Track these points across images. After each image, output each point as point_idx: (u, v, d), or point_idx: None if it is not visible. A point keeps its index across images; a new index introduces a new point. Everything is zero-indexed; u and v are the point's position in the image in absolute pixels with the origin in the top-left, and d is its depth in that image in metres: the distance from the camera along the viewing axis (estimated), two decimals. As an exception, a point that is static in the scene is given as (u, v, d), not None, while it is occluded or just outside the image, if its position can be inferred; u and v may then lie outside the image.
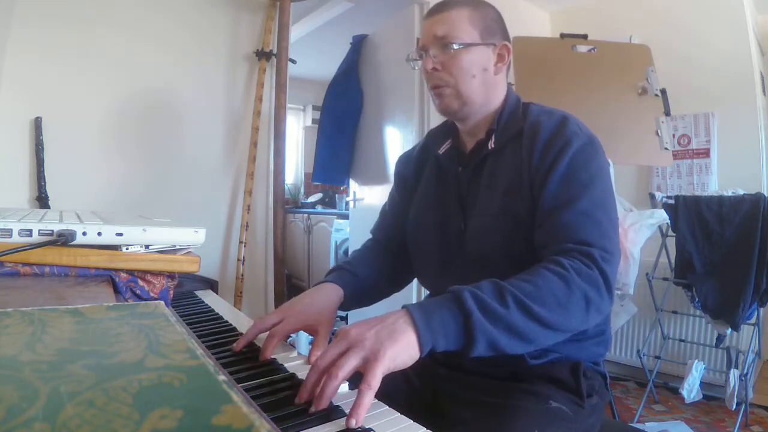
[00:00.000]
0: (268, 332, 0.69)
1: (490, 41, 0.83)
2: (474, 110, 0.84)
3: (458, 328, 0.59)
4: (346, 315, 3.22)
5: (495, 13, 0.85)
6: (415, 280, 1.01)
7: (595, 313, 0.66)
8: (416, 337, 0.56)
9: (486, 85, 0.83)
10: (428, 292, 0.99)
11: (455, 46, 0.80)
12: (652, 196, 2.09)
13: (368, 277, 0.89)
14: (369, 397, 0.50)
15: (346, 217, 3.58)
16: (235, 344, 0.68)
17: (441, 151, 0.92)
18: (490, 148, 0.83)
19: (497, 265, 0.78)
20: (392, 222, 1.00)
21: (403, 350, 0.55)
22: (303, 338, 2.53)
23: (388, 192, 1.06)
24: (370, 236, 1.03)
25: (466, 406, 0.76)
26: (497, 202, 0.79)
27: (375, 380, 0.51)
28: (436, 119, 2.44)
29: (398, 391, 0.56)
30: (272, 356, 0.66)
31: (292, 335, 0.75)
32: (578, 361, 0.77)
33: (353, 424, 0.47)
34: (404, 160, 1.03)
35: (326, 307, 0.78)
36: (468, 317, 0.59)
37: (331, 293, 0.81)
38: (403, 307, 0.60)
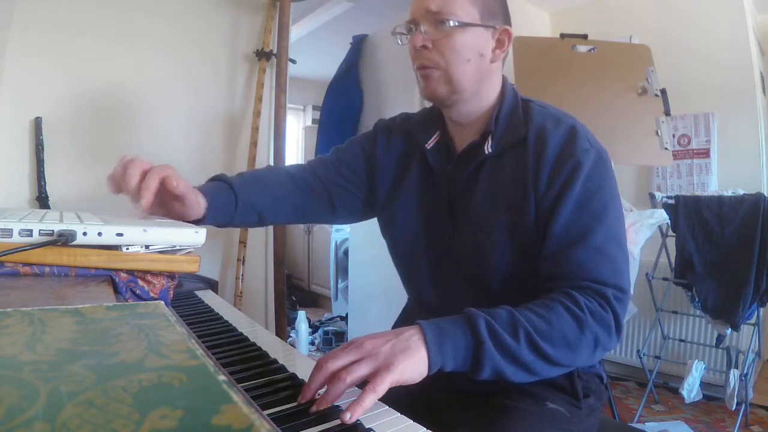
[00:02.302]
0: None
1: (490, 23, 0.74)
2: (463, 99, 0.76)
3: (468, 353, 0.60)
4: (346, 314, 3.22)
5: None
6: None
7: (601, 352, 0.67)
8: (427, 356, 0.57)
9: (480, 72, 0.75)
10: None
11: (451, 24, 0.71)
12: (652, 196, 2.09)
13: (249, 191, 0.82)
14: (371, 399, 0.50)
15: (346, 217, 3.57)
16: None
17: (429, 145, 0.83)
18: (487, 153, 0.76)
19: (494, 287, 0.76)
20: (338, 163, 0.89)
21: (414, 366, 0.55)
22: (303, 339, 2.53)
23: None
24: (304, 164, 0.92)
25: (462, 408, 0.76)
26: (497, 218, 0.74)
27: (382, 386, 0.51)
28: (436, 119, 2.43)
29: (396, 394, 0.56)
30: (273, 356, 0.66)
31: (291, 335, 0.74)
32: None
33: (347, 418, 0.47)
34: (385, 135, 0.90)
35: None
36: (480, 345, 0.59)
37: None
38: (417, 323, 0.60)
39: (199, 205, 0.74)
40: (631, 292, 1.96)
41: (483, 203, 0.76)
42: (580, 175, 0.69)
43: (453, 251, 0.79)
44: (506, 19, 0.77)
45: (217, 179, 0.83)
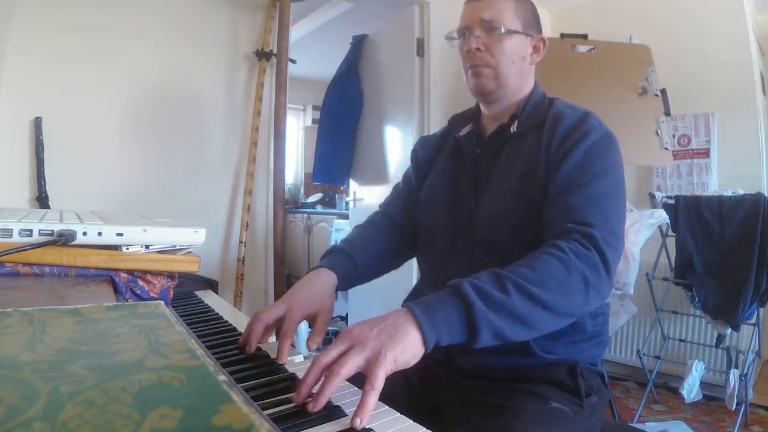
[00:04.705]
0: (277, 332, 0.70)
1: (530, 32, 0.87)
2: (506, 94, 0.88)
3: (461, 319, 0.59)
4: (346, 314, 3.22)
5: (533, 8, 0.89)
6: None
7: (594, 294, 0.67)
8: (419, 334, 0.56)
9: (521, 72, 0.87)
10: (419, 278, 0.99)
11: (502, 30, 0.83)
12: (652, 196, 2.09)
13: (364, 258, 0.90)
14: (373, 398, 0.50)
15: (346, 217, 3.58)
16: (247, 348, 0.67)
17: (462, 133, 0.94)
18: (512, 131, 0.86)
19: (505, 247, 0.79)
20: (402, 198, 1.02)
21: (405, 349, 0.55)
22: (303, 335, 2.53)
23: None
24: (378, 209, 1.04)
25: (466, 407, 0.76)
26: (512, 183, 0.81)
27: (378, 382, 0.51)
28: (436, 119, 2.44)
29: (398, 393, 0.56)
30: (273, 357, 0.66)
31: None
32: (576, 362, 0.77)
33: (358, 423, 0.47)
34: (423, 142, 1.05)
35: (325, 293, 0.79)
36: (470, 308, 0.59)
37: (327, 280, 0.81)
38: (404, 305, 0.60)
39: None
40: (631, 291, 1.97)
41: (502, 171, 0.84)
42: (586, 142, 0.77)
43: (472, 220, 0.85)
44: (540, 29, 0.90)
45: (339, 251, 0.90)
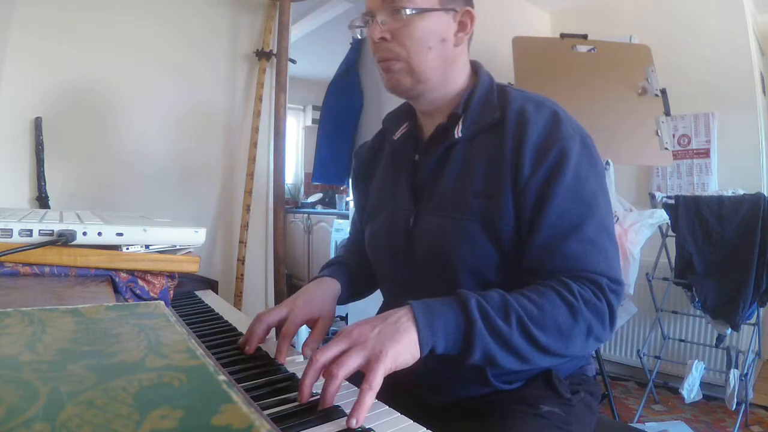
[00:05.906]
0: (274, 332, 0.69)
1: (450, 6, 0.71)
2: (429, 88, 0.73)
3: (459, 333, 0.58)
4: (346, 314, 3.22)
5: None
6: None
7: (594, 342, 0.65)
8: (417, 337, 0.56)
9: (444, 59, 0.72)
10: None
11: (408, 11, 0.68)
12: (652, 196, 2.09)
13: (360, 273, 0.88)
14: (370, 397, 0.49)
15: (346, 217, 3.58)
16: (246, 348, 0.67)
17: (396, 136, 0.83)
18: (457, 136, 0.73)
19: (458, 275, 0.71)
20: (358, 228, 0.94)
21: (404, 350, 0.54)
22: (303, 336, 2.53)
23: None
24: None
25: (461, 413, 0.75)
26: (467, 204, 0.70)
27: (376, 380, 0.50)
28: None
29: (393, 396, 0.56)
30: (273, 356, 0.66)
31: None
32: (548, 369, 0.73)
33: (353, 423, 0.47)
34: (357, 156, 0.94)
35: (328, 300, 0.78)
36: (470, 325, 0.58)
37: (331, 287, 0.80)
38: (407, 303, 0.59)
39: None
40: (631, 291, 1.96)
41: (452, 189, 0.72)
42: (569, 162, 0.66)
43: (412, 240, 0.76)
44: (467, 0, 0.74)
45: (337, 263, 0.88)
